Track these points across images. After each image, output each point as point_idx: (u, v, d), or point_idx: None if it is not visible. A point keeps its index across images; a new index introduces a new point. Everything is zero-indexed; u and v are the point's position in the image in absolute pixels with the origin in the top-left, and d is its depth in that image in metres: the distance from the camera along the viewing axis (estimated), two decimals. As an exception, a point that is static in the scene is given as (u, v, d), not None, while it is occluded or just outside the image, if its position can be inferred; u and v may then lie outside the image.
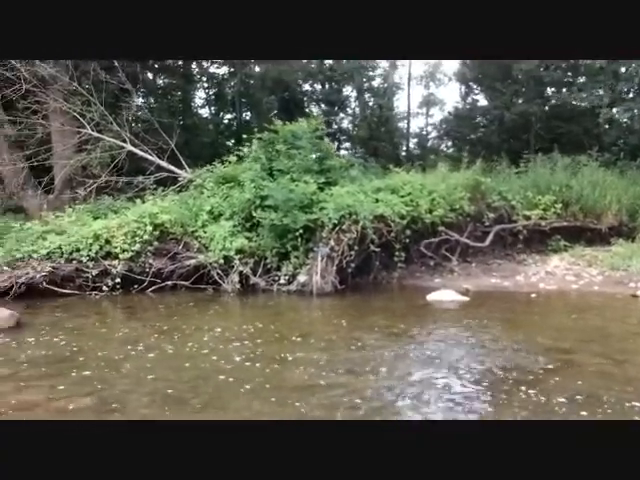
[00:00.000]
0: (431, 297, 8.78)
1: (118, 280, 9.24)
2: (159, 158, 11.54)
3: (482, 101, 24.12)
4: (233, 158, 11.07)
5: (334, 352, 5.89)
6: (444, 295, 8.81)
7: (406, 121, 27.57)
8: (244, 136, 11.45)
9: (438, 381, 4.91)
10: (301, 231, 9.43)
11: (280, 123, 10.98)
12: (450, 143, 27.57)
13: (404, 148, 26.83)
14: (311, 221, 9.49)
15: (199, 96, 24.01)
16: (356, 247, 9.61)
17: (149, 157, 11.60)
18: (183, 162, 11.61)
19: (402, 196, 10.46)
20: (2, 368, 5.37)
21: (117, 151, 12.01)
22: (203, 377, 5.11)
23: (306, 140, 10.66)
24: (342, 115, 26.34)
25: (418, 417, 4.04)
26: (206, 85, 23.84)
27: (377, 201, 10.11)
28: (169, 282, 9.70)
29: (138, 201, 10.46)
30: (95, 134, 11.73)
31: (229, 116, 24.60)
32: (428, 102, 29.73)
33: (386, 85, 26.27)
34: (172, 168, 11.46)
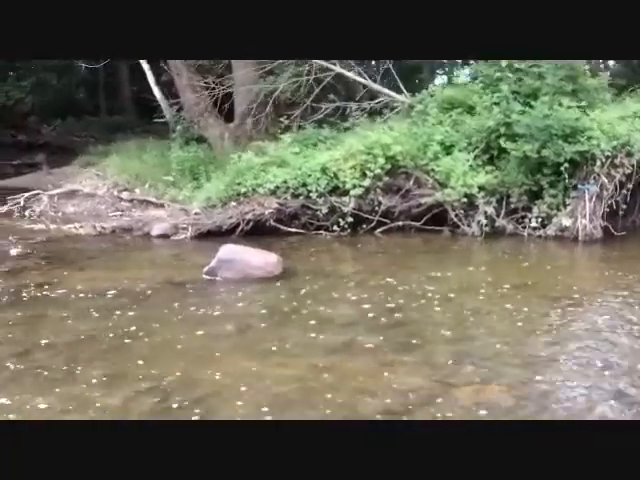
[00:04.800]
0: None
1: (350, 219, 8.22)
2: (372, 81, 10.10)
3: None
4: (463, 78, 9.50)
5: None
6: None
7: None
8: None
9: None
10: (566, 165, 7.89)
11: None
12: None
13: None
14: (579, 153, 7.90)
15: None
16: (630, 185, 8.02)
17: (363, 80, 10.17)
18: (401, 86, 10.11)
19: (674, 123, 8.62)
20: (333, 334, 4.42)
21: (309, 76, 10.74)
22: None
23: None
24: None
25: None
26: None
27: (646, 129, 8.36)
28: (399, 222, 8.57)
29: (358, 129, 9.25)
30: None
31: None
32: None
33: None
34: (388, 92, 10.00)
